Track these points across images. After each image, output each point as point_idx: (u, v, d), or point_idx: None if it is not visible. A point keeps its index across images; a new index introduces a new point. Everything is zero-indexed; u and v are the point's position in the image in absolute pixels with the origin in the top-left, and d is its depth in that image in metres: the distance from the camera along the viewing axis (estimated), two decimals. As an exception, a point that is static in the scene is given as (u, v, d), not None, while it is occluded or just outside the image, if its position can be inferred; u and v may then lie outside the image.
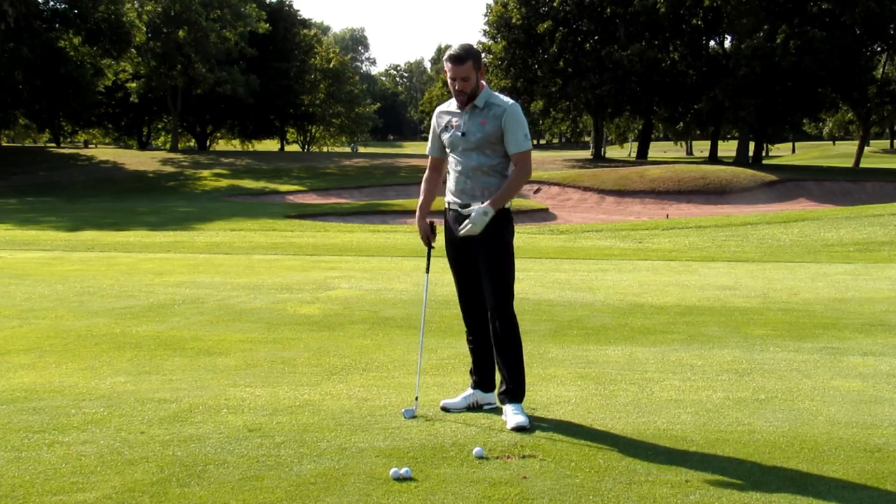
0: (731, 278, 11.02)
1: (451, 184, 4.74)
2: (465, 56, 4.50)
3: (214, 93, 53.20)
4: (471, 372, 4.89)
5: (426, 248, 4.83)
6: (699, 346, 6.58)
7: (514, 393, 4.60)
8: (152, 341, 6.64)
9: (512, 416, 4.48)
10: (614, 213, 33.94)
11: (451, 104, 4.73)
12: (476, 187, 4.62)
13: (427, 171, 4.92)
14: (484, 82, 4.62)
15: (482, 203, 4.53)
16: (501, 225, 4.58)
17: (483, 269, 4.63)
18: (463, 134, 4.61)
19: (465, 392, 4.83)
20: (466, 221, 4.49)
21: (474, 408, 4.76)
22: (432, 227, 4.78)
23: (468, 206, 4.61)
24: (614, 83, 50.85)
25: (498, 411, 4.68)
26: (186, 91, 54.91)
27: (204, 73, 51.32)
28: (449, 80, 4.58)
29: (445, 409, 4.70)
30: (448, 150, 4.74)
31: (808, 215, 24.05)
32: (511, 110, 4.56)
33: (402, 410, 4.58)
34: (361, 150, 77.76)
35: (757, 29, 47.58)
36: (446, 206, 4.77)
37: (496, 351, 4.68)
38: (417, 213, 4.86)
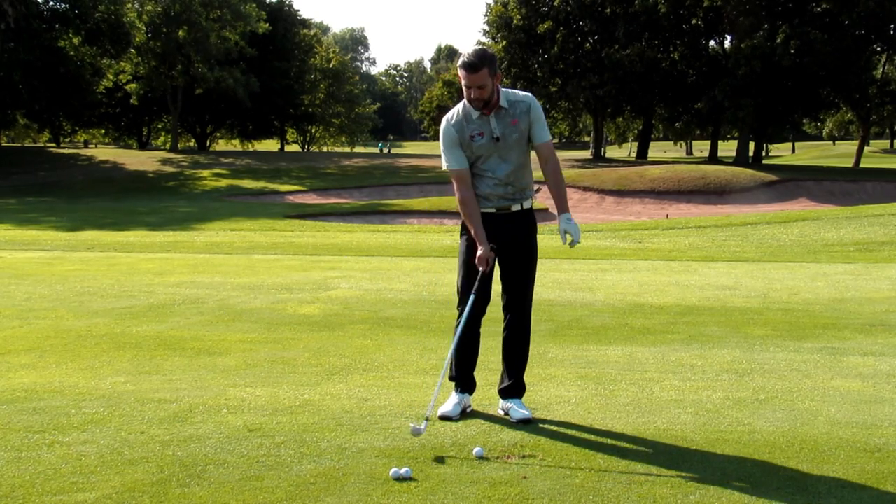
0: (731, 278, 11.01)
1: (483, 191, 4.56)
2: (480, 63, 4.31)
3: (214, 93, 53.22)
4: (456, 377, 4.73)
5: (479, 272, 4.51)
6: (699, 346, 6.58)
7: (519, 389, 4.68)
8: (152, 341, 6.64)
9: (517, 410, 4.55)
10: (614, 213, 33.93)
11: (468, 113, 4.51)
12: (517, 190, 4.59)
13: (462, 190, 4.54)
14: (499, 84, 4.48)
15: (522, 202, 4.59)
16: (536, 227, 4.68)
17: (519, 271, 4.60)
18: (497, 139, 4.47)
19: (455, 398, 4.70)
20: (570, 239, 4.46)
21: (466, 410, 4.69)
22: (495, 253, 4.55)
23: (508, 208, 4.59)
24: (614, 83, 50.86)
25: (477, 412, 4.66)
26: (186, 91, 54.93)
27: (204, 72, 51.34)
28: (464, 88, 4.40)
29: (449, 418, 4.56)
30: (477, 161, 4.54)
31: (808, 215, 24.06)
32: (535, 102, 4.57)
33: (412, 426, 4.20)
34: (360, 149, 77.76)
35: (757, 29, 47.60)
36: None
37: (512, 349, 4.67)
38: (479, 241, 4.47)
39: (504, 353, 4.73)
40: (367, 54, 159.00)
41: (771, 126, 55.24)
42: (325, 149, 78.01)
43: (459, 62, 4.40)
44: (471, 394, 4.76)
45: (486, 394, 5.01)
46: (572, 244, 4.53)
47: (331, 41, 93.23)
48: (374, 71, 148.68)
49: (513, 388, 4.66)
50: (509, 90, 4.57)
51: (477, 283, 4.53)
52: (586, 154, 61.70)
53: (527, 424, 4.45)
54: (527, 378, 4.97)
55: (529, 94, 4.59)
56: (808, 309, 8.37)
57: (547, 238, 20.11)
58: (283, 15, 62.45)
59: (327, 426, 4.39)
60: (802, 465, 3.88)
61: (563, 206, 4.60)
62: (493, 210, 4.60)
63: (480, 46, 4.59)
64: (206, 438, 4.19)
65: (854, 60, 47.09)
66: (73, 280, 10.24)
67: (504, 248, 4.58)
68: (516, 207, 4.60)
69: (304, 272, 11.26)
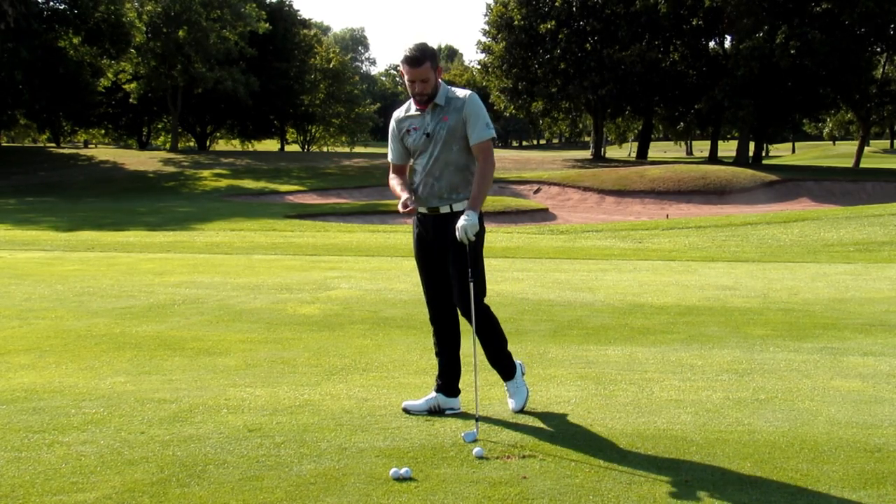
0: (731, 278, 11.01)
1: (416, 188, 4.61)
2: (422, 57, 4.39)
3: (214, 92, 53.19)
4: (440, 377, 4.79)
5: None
6: (699, 346, 6.58)
7: (506, 373, 4.76)
8: (152, 341, 6.64)
9: (511, 397, 4.72)
10: (614, 213, 33.93)
11: (409, 108, 4.62)
12: (444, 188, 4.53)
13: (390, 178, 4.74)
14: (441, 80, 4.53)
15: (452, 204, 4.49)
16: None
17: (456, 269, 4.51)
18: (428, 135, 4.51)
19: (428, 395, 4.76)
20: (458, 234, 4.34)
21: (436, 411, 4.67)
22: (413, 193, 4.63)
23: (437, 209, 4.54)
24: (615, 83, 50.85)
25: (463, 416, 4.66)
26: (186, 91, 54.91)
27: (204, 72, 51.33)
28: (407, 83, 4.47)
29: (406, 411, 4.65)
30: (413, 155, 4.61)
31: (808, 215, 24.06)
32: (471, 100, 4.48)
33: (463, 434, 4.24)
34: (360, 149, 77.72)
35: (757, 29, 47.59)
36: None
37: (482, 344, 4.67)
38: (399, 194, 4.59)
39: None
40: (367, 54, 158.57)
41: (771, 126, 55.25)
42: (325, 149, 78.00)
43: (402, 58, 4.45)
44: (446, 396, 4.71)
45: (486, 394, 5.02)
46: (459, 239, 4.38)
47: (331, 41, 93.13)
48: (374, 71, 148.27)
49: (501, 374, 4.78)
50: (452, 87, 4.57)
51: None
52: (586, 154, 61.66)
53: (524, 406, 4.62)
54: (527, 378, 4.97)
55: (469, 92, 4.53)
56: (808, 309, 8.37)
57: (548, 238, 20.12)
58: (283, 15, 62.40)
59: (327, 426, 4.39)
60: (802, 465, 3.88)
61: (471, 204, 4.44)
62: (426, 211, 4.60)
63: (422, 42, 4.52)
64: (206, 438, 4.19)
65: (854, 60, 47.06)
66: (72, 280, 10.23)
67: (438, 251, 4.59)
68: (445, 209, 4.53)
69: (304, 272, 11.26)
